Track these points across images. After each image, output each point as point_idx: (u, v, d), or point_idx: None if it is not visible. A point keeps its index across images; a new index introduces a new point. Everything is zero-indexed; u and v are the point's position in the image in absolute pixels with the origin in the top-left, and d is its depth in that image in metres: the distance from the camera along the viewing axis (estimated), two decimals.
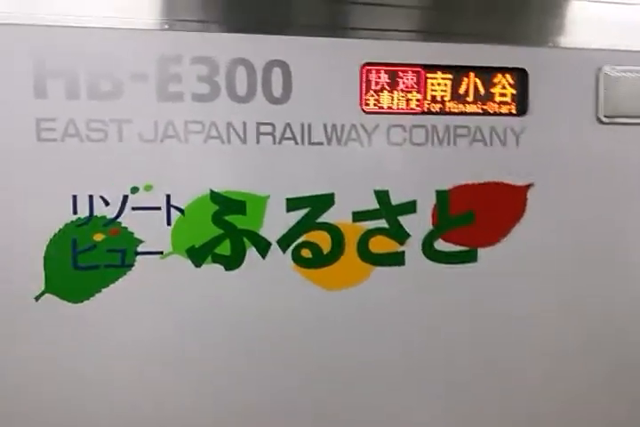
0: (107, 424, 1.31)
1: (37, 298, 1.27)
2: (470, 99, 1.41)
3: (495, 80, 1.43)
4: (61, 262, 1.27)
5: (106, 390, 1.31)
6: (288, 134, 1.33)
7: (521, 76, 1.43)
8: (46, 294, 1.28)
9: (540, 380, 1.46)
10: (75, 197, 1.27)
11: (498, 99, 1.43)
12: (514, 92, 1.43)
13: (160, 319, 1.31)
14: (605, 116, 1.46)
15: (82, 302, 1.29)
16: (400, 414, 1.41)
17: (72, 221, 1.28)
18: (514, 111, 1.43)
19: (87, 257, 1.28)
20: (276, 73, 1.31)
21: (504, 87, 1.43)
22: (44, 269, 1.28)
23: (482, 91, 1.42)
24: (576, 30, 1.48)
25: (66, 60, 1.25)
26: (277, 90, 1.32)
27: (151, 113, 1.28)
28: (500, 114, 1.42)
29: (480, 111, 1.42)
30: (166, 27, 1.29)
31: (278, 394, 1.36)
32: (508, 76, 1.43)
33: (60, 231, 1.28)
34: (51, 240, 1.28)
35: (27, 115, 1.24)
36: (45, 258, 1.28)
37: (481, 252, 1.43)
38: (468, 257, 1.42)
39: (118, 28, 1.25)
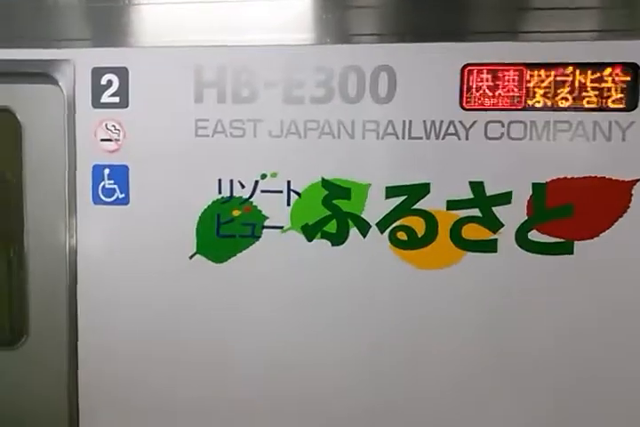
0: (239, 363, 1.50)
1: (191, 257, 1.51)
2: (574, 95, 1.33)
3: (603, 75, 1.32)
4: (208, 231, 1.50)
5: (239, 331, 1.51)
6: (390, 130, 1.40)
7: (632, 71, 1.30)
8: (197, 255, 1.51)
9: (627, 374, 1.31)
10: (220, 181, 1.48)
11: (605, 94, 1.32)
12: (623, 86, 1.31)
13: (279, 280, 1.48)
14: None
15: (222, 262, 1.50)
16: (486, 392, 1.39)
17: (217, 200, 1.49)
18: (622, 106, 1.31)
19: (227, 228, 1.49)
20: (383, 76, 1.39)
21: (613, 82, 1.32)
22: (196, 235, 1.51)
23: (587, 86, 1.33)
24: None
25: (216, 72, 1.44)
26: (383, 91, 1.39)
27: (278, 114, 1.44)
28: (607, 109, 1.31)
29: (585, 107, 1.32)
30: (293, 42, 1.44)
31: (367, 358, 1.42)
32: (617, 70, 1.31)
33: (208, 207, 1.50)
34: (202, 213, 1.50)
35: (188, 116, 1.48)
36: (197, 227, 1.51)
37: (578, 244, 1.34)
38: (564, 249, 1.34)
39: (256, 45, 1.43)
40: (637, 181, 1.27)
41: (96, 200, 1.48)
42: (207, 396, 1.50)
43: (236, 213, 1.45)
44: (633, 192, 1.28)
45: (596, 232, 1.29)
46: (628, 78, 1.26)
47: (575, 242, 1.30)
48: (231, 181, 1.44)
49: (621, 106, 1.27)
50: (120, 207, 1.48)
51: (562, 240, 1.31)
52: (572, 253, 1.30)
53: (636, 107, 1.25)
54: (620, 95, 1.27)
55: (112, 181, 1.49)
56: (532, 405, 1.35)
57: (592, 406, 1.31)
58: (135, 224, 1.49)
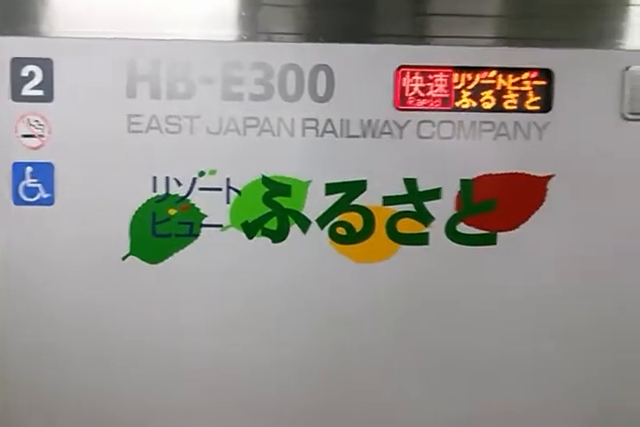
0: (176, 371, 1.40)
1: (124, 258, 1.38)
2: (496, 97, 1.36)
3: (522, 79, 1.36)
4: (143, 231, 1.38)
5: (175, 336, 1.39)
6: (329, 128, 1.36)
7: (547, 76, 1.35)
8: (130, 256, 1.39)
9: (553, 362, 1.38)
10: (154, 179, 1.36)
11: (524, 96, 1.36)
12: (540, 90, 1.36)
13: (219, 280, 1.39)
14: (630, 113, 1.36)
15: (157, 263, 1.39)
16: (411, 385, 1.40)
17: (152, 198, 1.37)
18: (539, 108, 1.36)
19: (163, 227, 1.38)
20: (321, 75, 1.34)
21: (531, 86, 1.36)
22: (130, 235, 1.38)
23: (508, 89, 1.36)
24: (604, 32, 1.38)
25: (150, 66, 1.32)
26: (321, 90, 1.34)
27: (216, 110, 1.35)
28: (526, 111, 1.36)
29: (505, 108, 1.36)
30: (231, 38, 1.35)
31: (309, 353, 1.39)
32: (534, 75, 1.36)
33: (142, 205, 1.38)
34: (135, 212, 1.38)
35: (120, 111, 1.35)
36: (131, 226, 1.38)
37: (500, 236, 1.38)
38: (488, 240, 1.38)
39: (192, 39, 1.32)
40: (552, 176, 1.32)
41: (17, 201, 1.32)
42: (141, 400, 1.37)
43: (172, 211, 1.36)
44: (548, 187, 1.33)
45: (516, 224, 1.34)
46: (544, 83, 1.32)
47: (498, 233, 1.34)
48: (167, 179, 1.35)
49: (538, 108, 1.32)
50: (44, 208, 1.33)
51: (486, 232, 1.34)
52: (495, 243, 1.34)
53: (550, 109, 1.31)
54: (537, 98, 1.32)
55: (35, 180, 1.33)
56: (466, 393, 1.38)
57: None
58: (61, 225, 1.35)
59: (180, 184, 1.33)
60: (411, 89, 1.32)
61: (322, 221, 1.34)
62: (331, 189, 1.33)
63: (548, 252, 1.34)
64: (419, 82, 1.33)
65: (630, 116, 1.32)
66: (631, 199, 1.33)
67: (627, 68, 1.31)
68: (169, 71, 1.30)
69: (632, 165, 1.33)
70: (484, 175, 1.33)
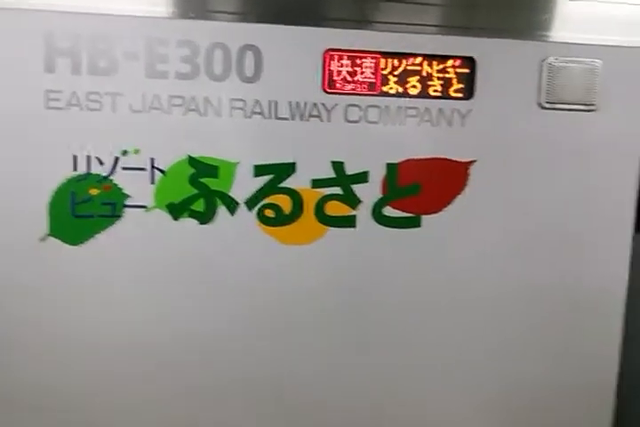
0: (98, 355, 1.29)
1: (43, 239, 1.26)
2: (422, 83, 1.33)
3: (446, 67, 1.33)
4: (62, 211, 1.27)
5: (99, 318, 1.29)
6: (257, 109, 1.28)
7: (470, 64, 1.32)
8: (50, 237, 1.27)
9: (477, 342, 1.37)
10: (75, 157, 1.25)
11: (448, 84, 1.33)
12: (463, 77, 1.33)
13: (143, 262, 1.30)
14: (547, 102, 1.35)
15: (79, 244, 1.28)
16: (341, 365, 1.36)
17: (72, 177, 1.26)
18: (462, 95, 1.33)
19: (84, 207, 1.27)
20: (249, 56, 1.26)
21: (454, 73, 1.34)
22: (49, 215, 1.26)
23: (434, 76, 1.33)
24: (528, 23, 1.37)
25: (71, 40, 1.21)
26: (249, 70, 1.27)
27: (140, 88, 1.25)
28: (450, 98, 1.33)
29: (430, 95, 1.33)
30: (157, 14, 1.25)
31: (237, 334, 1.32)
32: (457, 63, 1.33)
33: (62, 185, 1.26)
34: (54, 192, 1.26)
35: (37, 86, 1.22)
36: (50, 207, 1.26)
37: (424, 219, 1.35)
38: (413, 223, 1.35)
39: (116, 14, 1.21)
40: (473, 162, 1.31)
41: None
42: (66, 386, 1.27)
43: (93, 191, 1.26)
44: (469, 172, 1.31)
45: (440, 207, 1.32)
46: (467, 70, 1.29)
47: (422, 216, 1.32)
48: (88, 158, 1.24)
49: (461, 95, 1.30)
50: None
51: (411, 215, 1.32)
52: (419, 226, 1.32)
53: (472, 96, 1.29)
54: (460, 85, 1.30)
55: None
56: (394, 367, 1.35)
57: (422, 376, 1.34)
58: None
59: (102, 163, 1.23)
60: (339, 73, 1.27)
61: (250, 203, 1.27)
62: (259, 170, 1.26)
63: (469, 234, 1.33)
64: (346, 66, 1.27)
65: (547, 105, 1.32)
66: (547, 183, 1.33)
67: (544, 60, 1.30)
68: (90, 46, 1.19)
69: (548, 151, 1.33)
70: (409, 160, 1.30)
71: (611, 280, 1.34)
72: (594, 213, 1.32)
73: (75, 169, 1.22)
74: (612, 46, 1.30)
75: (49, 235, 1.23)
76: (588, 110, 1.32)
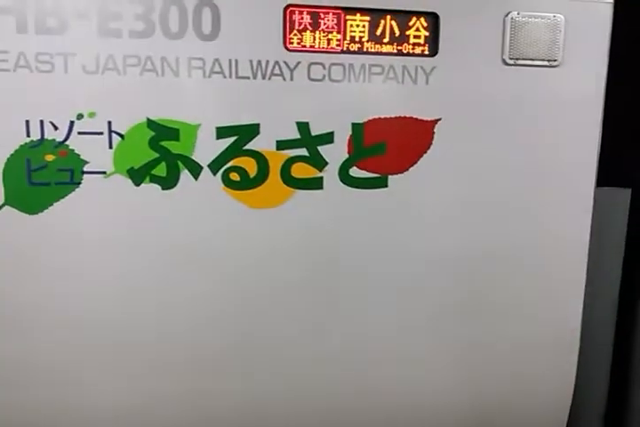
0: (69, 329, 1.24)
1: None
2: (386, 40, 1.27)
3: (410, 23, 1.27)
4: (18, 179, 1.20)
5: (58, 289, 1.23)
6: (217, 69, 1.21)
7: (433, 20, 1.27)
8: (6, 206, 1.20)
9: (444, 300, 1.38)
10: (27, 122, 1.17)
11: (412, 40, 1.28)
12: (426, 34, 1.28)
13: (104, 229, 1.24)
14: (510, 59, 1.31)
15: (37, 213, 1.21)
16: (312, 326, 1.35)
17: (26, 143, 1.19)
18: (426, 52, 1.28)
19: (40, 175, 1.20)
20: (206, 12, 1.18)
21: (418, 30, 1.28)
22: (3, 184, 1.19)
23: (397, 33, 1.27)
24: None
25: None
26: (207, 28, 1.19)
27: (93, 47, 1.17)
28: (413, 54, 1.28)
29: (395, 52, 1.27)
30: None
31: (201, 301, 1.28)
32: (421, 19, 1.27)
33: (15, 152, 1.19)
34: (7, 159, 1.19)
35: None
36: (3, 175, 1.19)
37: (391, 178, 1.31)
38: (380, 183, 1.31)
39: None
40: (438, 120, 1.27)
41: None
42: (24, 360, 1.24)
43: (49, 157, 1.18)
44: (435, 130, 1.28)
45: (406, 167, 1.29)
46: (431, 27, 1.25)
47: (389, 176, 1.29)
48: (41, 122, 1.17)
49: (425, 52, 1.25)
50: None
51: (378, 175, 1.28)
52: (386, 186, 1.28)
53: (436, 53, 1.25)
54: (423, 42, 1.25)
55: None
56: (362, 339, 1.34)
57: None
58: None
59: (56, 128, 1.16)
60: (300, 30, 1.21)
61: (214, 167, 1.22)
62: (222, 132, 1.21)
63: (436, 192, 1.30)
64: (308, 22, 1.22)
65: (510, 61, 1.28)
66: (512, 140, 1.31)
67: (507, 14, 1.26)
68: (36, 3, 1.09)
69: (512, 108, 1.30)
70: (375, 119, 1.25)
71: (574, 234, 1.34)
72: (557, 167, 1.31)
73: (28, 135, 1.15)
74: (574, 1, 1.27)
75: (4, 204, 1.14)
76: (552, 66, 1.28)
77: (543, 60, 1.30)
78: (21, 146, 1.16)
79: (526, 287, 1.35)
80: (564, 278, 1.36)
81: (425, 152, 1.30)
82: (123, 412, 1.25)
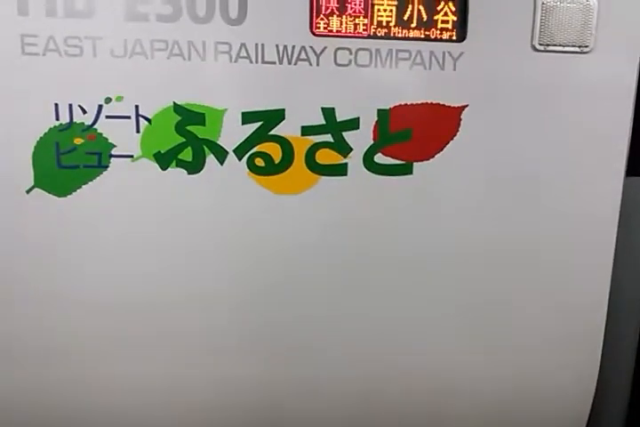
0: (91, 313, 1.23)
1: (28, 191, 1.19)
2: (414, 24, 1.23)
3: (438, 7, 1.23)
4: (47, 162, 1.19)
5: (87, 271, 1.23)
6: (243, 53, 1.19)
7: (462, 5, 1.22)
8: (35, 189, 1.20)
9: (472, 292, 1.34)
10: (56, 105, 1.16)
11: (440, 25, 1.24)
12: (454, 19, 1.24)
13: (132, 213, 1.24)
14: (540, 44, 1.26)
15: (66, 195, 1.21)
16: (337, 315, 1.32)
17: (55, 126, 1.18)
18: (454, 37, 1.24)
19: (69, 158, 1.20)
20: None
21: (446, 14, 1.24)
22: (33, 167, 1.18)
23: (424, 17, 1.23)
24: None
25: None
26: (234, 12, 1.16)
27: (120, 31, 1.15)
28: (441, 40, 1.23)
29: (422, 37, 1.23)
30: None
31: (230, 287, 1.26)
32: (450, 4, 1.23)
33: (44, 135, 1.19)
34: (37, 142, 1.18)
35: (11, 30, 1.12)
36: (33, 158, 1.18)
37: (416, 165, 1.28)
38: (405, 170, 1.28)
39: None
40: (465, 106, 1.23)
41: None
42: (57, 345, 1.23)
43: (78, 141, 1.17)
44: (461, 117, 1.24)
45: (432, 154, 1.25)
46: (459, 12, 1.20)
47: (414, 163, 1.25)
48: (70, 106, 1.16)
49: (453, 37, 1.21)
50: None
51: (403, 162, 1.25)
52: (411, 173, 1.25)
53: (465, 38, 1.20)
54: (451, 27, 1.21)
55: None
56: (384, 333, 1.32)
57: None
58: None
59: (85, 112, 1.15)
60: (327, 14, 1.18)
61: (239, 152, 1.20)
62: (247, 118, 1.18)
63: (462, 180, 1.27)
64: (335, 7, 1.18)
65: (540, 47, 1.23)
66: (541, 127, 1.26)
67: None
68: None
69: (542, 95, 1.25)
70: (401, 105, 1.21)
71: (603, 222, 1.29)
72: (586, 156, 1.26)
73: (57, 118, 1.13)
74: None
75: (34, 186, 1.14)
76: (583, 52, 1.23)
77: (574, 45, 1.24)
78: (50, 129, 1.16)
79: (554, 276, 1.31)
80: (590, 268, 1.32)
81: (451, 139, 1.26)
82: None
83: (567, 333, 1.39)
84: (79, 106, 1.18)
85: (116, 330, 1.28)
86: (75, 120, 1.19)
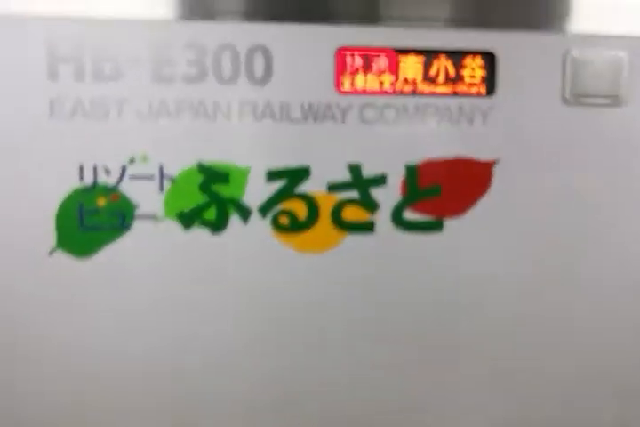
0: (114, 369, 1.18)
1: (50, 253, 1.16)
2: (441, 80, 1.20)
3: (465, 63, 1.21)
4: (70, 223, 1.17)
5: (109, 332, 1.19)
6: (268, 112, 1.17)
7: (489, 59, 1.20)
8: (58, 250, 1.17)
9: (503, 344, 1.24)
10: (81, 167, 1.15)
11: (467, 80, 1.21)
12: (482, 73, 1.21)
13: (154, 274, 1.19)
14: (570, 97, 1.22)
15: (87, 257, 1.18)
16: (357, 378, 1.24)
17: (79, 188, 1.17)
18: (482, 92, 1.21)
19: (92, 219, 1.17)
20: (259, 57, 1.15)
21: (473, 69, 1.21)
22: (56, 228, 1.16)
23: (452, 73, 1.21)
24: (545, 15, 1.25)
25: (74, 46, 1.13)
26: (259, 72, 1.15)
27: (146, 93, 1.14)
28: (469, 95, 1.20)
29: (449, 92, 1.20)
30: (161, 17, 1.15)
31: (254, 347, 1.20)
32: (477, 59, 1.20)
33: (68, 196, 1.17)
34: (60, 204, 1.16)
35: (41, 95, 1.13)
36: (57, 219, 1.16)
37: (447, 222, 1.22)
38: (435, 226, 1.23)
39: (118, 18, 1.12)
40: (496, 161, 1.18)
41: None
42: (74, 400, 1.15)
43: (101, 202, 1.15)
44: (493, 172, 1.19)
45: (463, 210, 1.20)
46: (486, 66, 1.17)
47: (445, 220, 1.19)
48: (94, 167, 1.14)
49: (481, 92, 1.17)
50: None
51: (433, 218, 1.19)
52: (441, 230, 1.19)
53: (493, 92, 1.17)
54: (479, 82, 1.17)
55: None
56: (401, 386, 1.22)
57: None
58: None
59: (108, 173, 1.12)
60: (352, 71, 1.15)
61: (263, 210, 1.16)
62: (272, 176, 1.15)
63: (494, 238, 1.20)
64: (360, 64, 1.16)
65: (571, 100, 1.19)
66: (574, 183, 1.20)
67: (567, 52, 1.17)
68: (93, 52, 1.09)
69: (574, 148, 1.20)
70: (429, 161, 1.17)
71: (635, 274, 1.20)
72: (620, 212, 1.18)
73: (81, 179, 1.11)
74: (637, 37, 1.17)
75: (57, 247, 1.11)
76: (615, 104, 1.18)
77: (606, 97, 1.20)
78: (75, 190, 1.14)
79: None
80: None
81: (483, 195, 1.20)
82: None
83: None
84: (103, 167, 1.19)
85: (134, 391, 1.21)
86: (98, 181, 1.18)
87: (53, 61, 1.13)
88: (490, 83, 1.21)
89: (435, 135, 1.21)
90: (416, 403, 1.27)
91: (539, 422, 1.30)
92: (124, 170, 1.16)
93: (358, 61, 1.19)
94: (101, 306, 1.19)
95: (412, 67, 1.20)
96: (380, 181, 1.21)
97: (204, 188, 1.18)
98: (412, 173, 1.21)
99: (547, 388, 1.28)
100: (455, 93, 1.21)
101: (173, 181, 1.17)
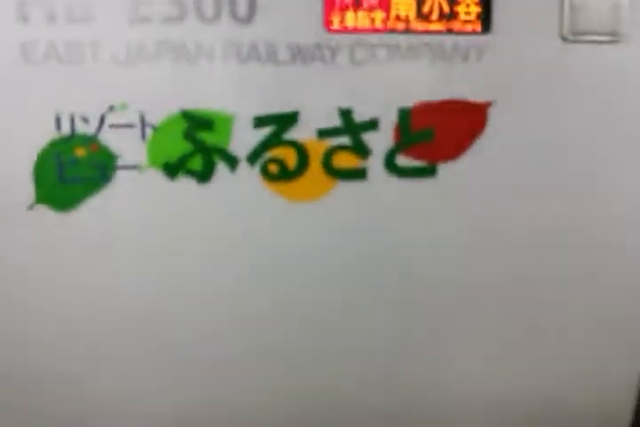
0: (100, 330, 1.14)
1: (29, 208, 1.10)
2: (435, 17, 1.13)
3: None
4: (48, 175, 1.11)
5: (92, 287, 1.15)
6: (253, 53, 1.10)
7: None
8: (37, 204, 1.11)
9: (497, 294, 1.21)
10: (58, 116, 1.08)
11: (462, 17, 1.14)
12: (478, 10, 1.14)
13: (139, 226, 1.14)
14: (570, 34, 1.16)
15: (68, 210, 1.12)
16: (353, 326, 1.23)
17: (56, 138, 1.10)
18: (477, 29, 1.14)
19: (71, 171, 1.11)
20: None
21: (468, 5, 1.14)
22: (34, 181, 1.10)
23: (446, 9, 1.13)
24: None
25: None
26: (243, 10, 1.07)
27: (123, 35, 1.06)
28: (464, 32, 1.13)
29: (444, 30, 1.13)
30: None
31: (246, 297, 1.17)
32: None
33: (45, 147, 1.10)
34: (38, 156, 1.10)
35: (12, 38, 1.04)
36: (35, 172, 1.10)
37: (440, 167, 1.17)
38: (428, 172, 1.18)
39: None
40: (492, 103, 1.13)
41: None
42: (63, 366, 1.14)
43: (80, 152, 1.09)
44: (488, 114, 1.13)
45: (457, 154, 1.15)
46: (482, 2, 1.10)
47: (438, 165, 1.14)
48: (72, 116, 1.06)
49: (477, 29, 1.11)
50: None
51: (426, 163, 1.14)
52: (435, 175, 1.14)
53: (489, 30, 1.10)
54: (475, 19, 1.11)
55: None
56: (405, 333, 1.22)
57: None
58: None
59: (87, 121, 1.05)
60: (342, 9, 1.08)
61: (251, 159, 1.10)
62: (259, 122, 1.09)
63: (490, 181, 1.15)
64: (350, 1, 1.08)
65: (570, 37, 1.12)
66: (572, 124, 1.15)
67: None
68: None
69: (572, 88, 1.14)
70: (423, 103, 1.11)
71: (631, 217, 1.17)
72: (617, 150, 1.14)
73: (58, 129, 1.04)
74: None
75: (36, 202, 1.05)
76: (614, 41, 1.12)
77: (606, 35, 1.14)
78: (52, 141, 1.07)
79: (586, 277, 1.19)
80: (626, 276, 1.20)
81: (477, 137, 1.15)
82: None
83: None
84: (81, 116, 1.13)
85: (114, 346, 1.20)
86: (77, 131, 1.11)
87: (22, 2, 1.03)
88: (486, 20, 1.15)
89: (428, 76, 1.15)
90: (411, 346, 1.25)
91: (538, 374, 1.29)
92: (102, 118, 1.09)
93: None
94: (84, 261, 1.13)
95: (404, 3, 1.13)
96: (372, 125, 1.15)
97: (188, 136, 1.13)
98: (405, 116, 1.16)
99: (550, 338, 1.27)
100: (450, 31, 1.14)
101: (155, 129, 1.11)
